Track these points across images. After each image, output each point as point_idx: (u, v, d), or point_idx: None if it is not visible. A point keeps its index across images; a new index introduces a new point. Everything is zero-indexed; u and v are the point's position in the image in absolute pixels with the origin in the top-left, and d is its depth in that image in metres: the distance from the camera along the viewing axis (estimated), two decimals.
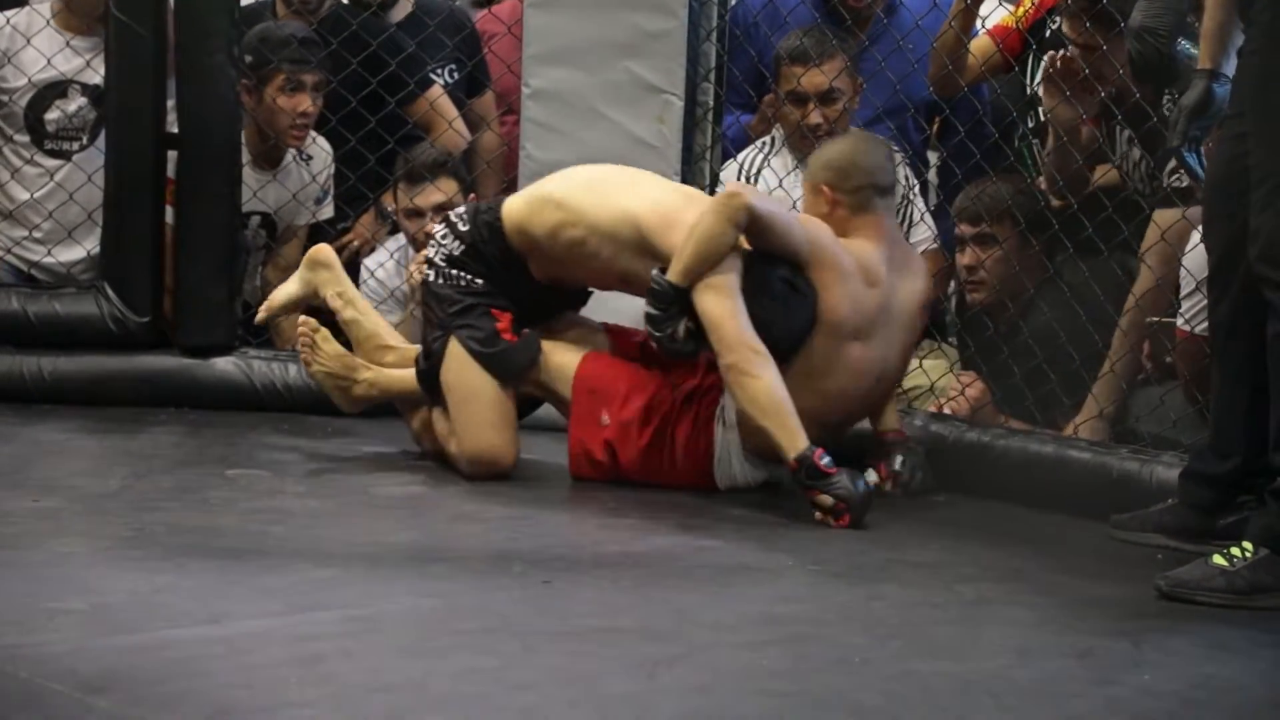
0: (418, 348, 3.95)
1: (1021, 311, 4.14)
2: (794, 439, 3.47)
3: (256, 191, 4.62)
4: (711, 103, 4.39)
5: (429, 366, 3.85)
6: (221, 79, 4.41)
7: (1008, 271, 4.15)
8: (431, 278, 3.87)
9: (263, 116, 4.60)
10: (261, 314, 4.16)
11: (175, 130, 4.47)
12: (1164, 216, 3.90)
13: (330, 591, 2.81)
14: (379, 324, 4.07)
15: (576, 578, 2.99)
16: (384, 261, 4.74)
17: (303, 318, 4.01)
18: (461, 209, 3.92)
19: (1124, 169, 4.16)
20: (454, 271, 3.83)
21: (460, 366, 3.79)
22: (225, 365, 4.45)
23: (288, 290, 4.12)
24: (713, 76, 4.39)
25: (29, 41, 4.55)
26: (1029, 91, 4.35)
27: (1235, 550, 2.86)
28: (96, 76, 4.55)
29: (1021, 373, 4.01)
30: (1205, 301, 3.65)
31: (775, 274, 3.61)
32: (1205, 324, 3.67)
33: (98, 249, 4.55)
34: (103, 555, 2.97)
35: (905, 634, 2.74)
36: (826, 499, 3.43)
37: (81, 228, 4.58)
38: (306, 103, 4.59)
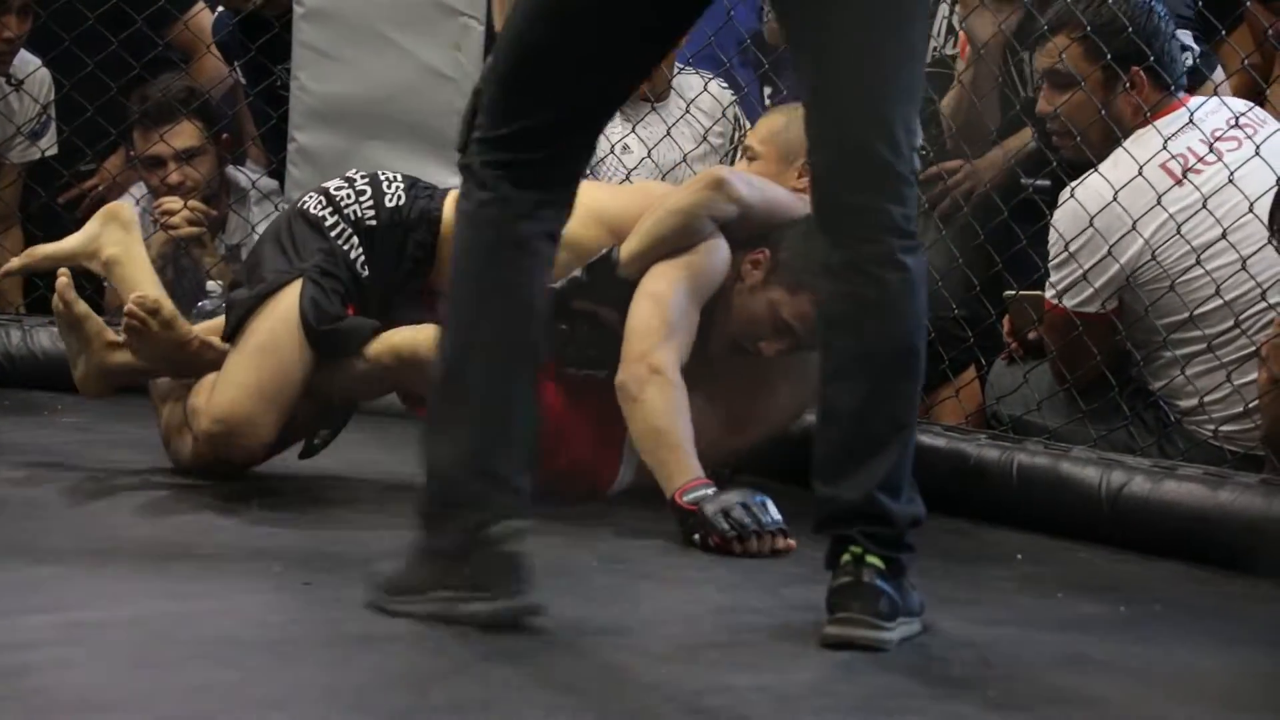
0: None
1: None
2: (671, 477, 3.39)
3: None
4: None
5: (252, 296, 3.56)
6: None
7: None
8: (316, 209, 3.64)
9: None
10: (15, 262, 3.82)
11: None
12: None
13: (47, 592, 2.77)
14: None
15: (345, 578, 2.95)
16: None
17: (137, 294, 3.56)
18: (398, 176, 3.69)
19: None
20: (349, 233, 3.63)
21: (278, 319, 3.55)
22: None
23: (63, 244, 3.78)
24: None
25: None
26: None
27: None
28: None
29: None
30: (1078, 271, 3.75)
31: None
32: (1077, 297, 3.77)
33: None
34: None
35: (721, 640, 2.76)
36: (697, 538, 3.31)
37: None
38: (13, 25, 4.50)
